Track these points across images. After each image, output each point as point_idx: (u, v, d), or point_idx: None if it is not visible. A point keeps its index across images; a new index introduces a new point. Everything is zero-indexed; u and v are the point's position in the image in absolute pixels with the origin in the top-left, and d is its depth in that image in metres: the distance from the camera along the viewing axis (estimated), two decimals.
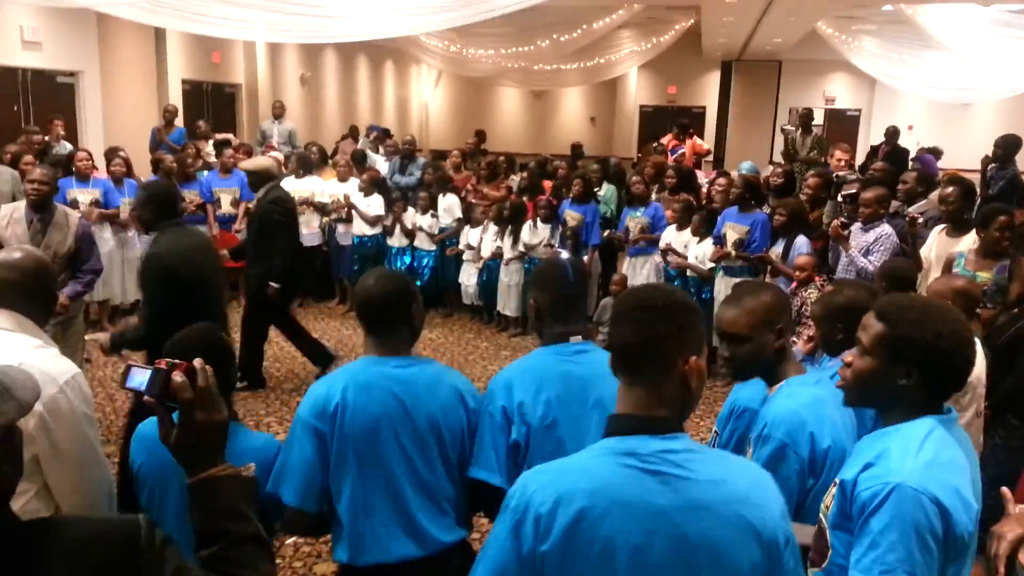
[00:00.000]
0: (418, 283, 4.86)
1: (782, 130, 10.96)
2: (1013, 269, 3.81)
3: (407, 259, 8.16)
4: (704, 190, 8.23)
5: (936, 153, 12.87)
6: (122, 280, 7.31)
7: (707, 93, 19.47)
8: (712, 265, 6.50)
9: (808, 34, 14.63)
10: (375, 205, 8.16)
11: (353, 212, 8.11)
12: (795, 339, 4.65)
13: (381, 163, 9.99)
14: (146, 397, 1.30)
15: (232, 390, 2.39)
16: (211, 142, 9.77)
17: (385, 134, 12.21)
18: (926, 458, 1.63)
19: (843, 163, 6.94)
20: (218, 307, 4.05)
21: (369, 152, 10.44)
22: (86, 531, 1.20)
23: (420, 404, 2.14)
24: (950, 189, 4.83)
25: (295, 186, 8.23)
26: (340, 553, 2.15)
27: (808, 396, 2.09)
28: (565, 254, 7.09)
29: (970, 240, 4.58)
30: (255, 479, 1.35)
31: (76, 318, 4.94)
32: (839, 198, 6.17)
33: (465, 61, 15.13)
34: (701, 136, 15.19)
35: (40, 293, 2.33)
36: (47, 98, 9.97)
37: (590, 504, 1.37)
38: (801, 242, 5.72)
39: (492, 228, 7.82)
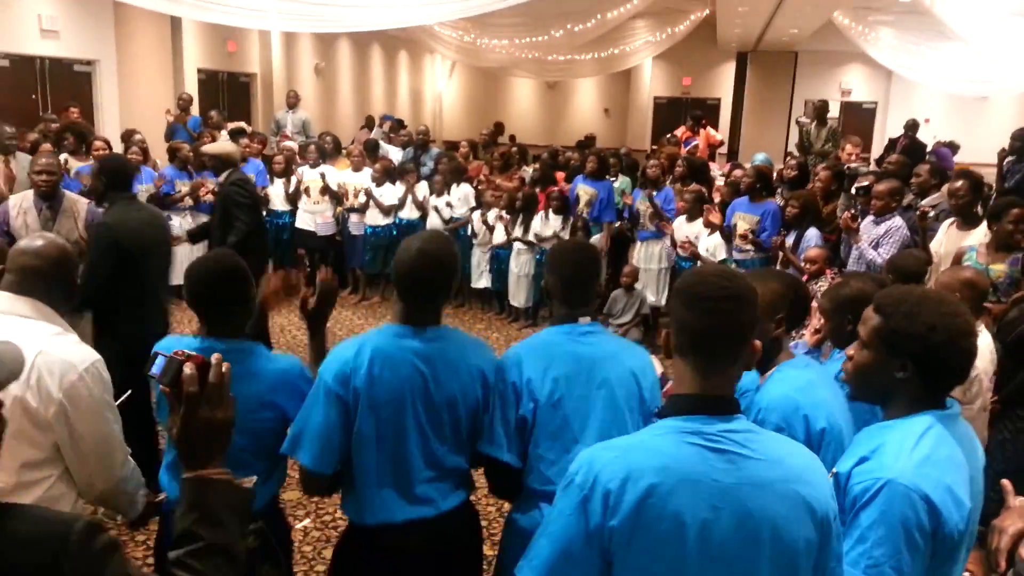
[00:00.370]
0: None
1: (797, 122, 10.90)
2: None
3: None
4: (721, 183, 8.23)
5: (953, 147, 12.77)
6: None
7: (722, 84, 19.38)
8: (724, 256, 6.50)
9: (824, 25, 14.54)
10: (388, 195, 8.20)
11: (369, 201, 8.14)
12: (804, 331, 4.67)
13: (394, 153, 10.03)
14: (160, 386, 1.31)
15: (249, 309, 2.40)
16: (224, 131, 9.82)
17: (399, 124, 12.24)
18: (921, 455, 1.64)
19: (854, 156, 6.91)
20: (160, 281, 4.13)
21: (382, 142, 10.49)
22: (28, 527, 1.13)
23: (442, 382, 2.18)
24: (959, 183, 4.81)
25: (310, 175, 8.29)
26: (349, 510, 2.23)
27: (801, 380, 2.12)
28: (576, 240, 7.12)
29: (980, 234, 4.57)
30: (250, 491, 1.32)
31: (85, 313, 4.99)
32: (852, 190, 6.15)
33: (479, 51, 15.14)
34: (715, 128, 15.15)
35: (61, 281, 2.34)
36: (64, 86, 10.06)
37: (659, 481, 1.40)
38: (811, 234, 5.71)
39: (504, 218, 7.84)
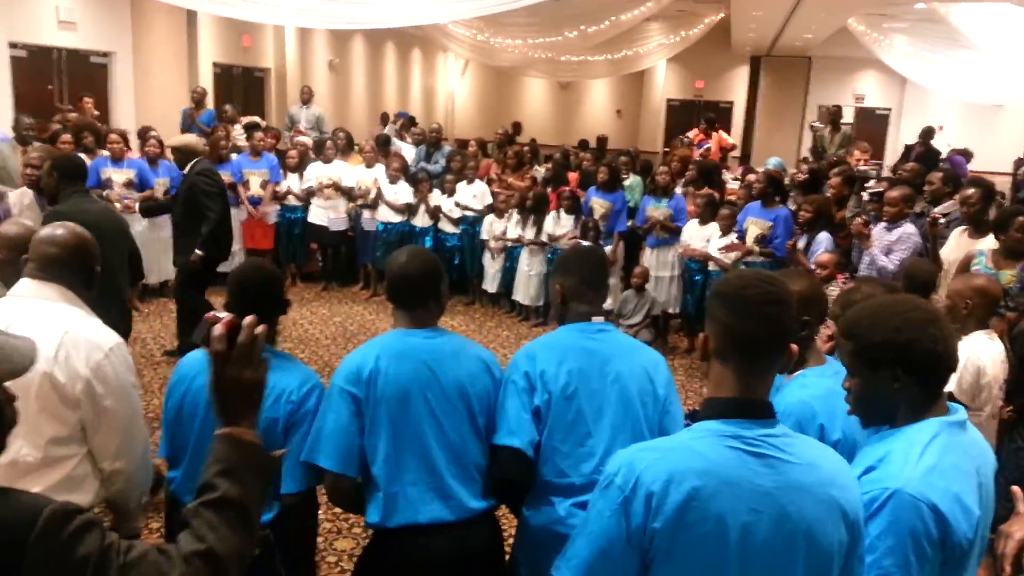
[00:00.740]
0: None
1: (811, 127, 10.92)
2: None
3: (429, 242, 8.25)
4: (735, 186, 8.25)
5: (967, 155, 12.74)
6: (157, 259, 7.36)
7: (735, 88, 19.36)
8: (734, 259, 6.51)
9: (839, 31, 14.51)
10: (402, 192, 8.24)
11: (378, 197, 8.19)
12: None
13: (407, 150, 10.07)
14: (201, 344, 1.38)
15: (275, 316, 2.49)
16: (240, 125, 9.87)
17: (411, 121, 12.29)
18: (927, 464, 1.64)
19: (862, 161, 6.92)
20: (118, 274, 4.14)
21: (395, 139, 10.53)
22: (3, 510, 1.15)
23: (448, 370, 2.24)
24: (971, 191, 4.82)
25: (323, 171, 8.33)
26: (372, 515, 2.23)
27: (821, 388, 2.13)
28: (587, 244, 7.13)
29: (991, 241, 4.57)
30: (277, 460, 1.37)
31: None
32: (864, 195, 6.15)
33: (492, 50, 15.16)
34: (728, 131, 15.13)
35: (81, 267, 2.43)
36: (80, 78, 10.13)
37: (702, 484, 1.42)
38: (823, 238, 5.71)
39: (515, 217, 7.87)
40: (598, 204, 7.44)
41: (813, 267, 5.45)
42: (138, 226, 6.72)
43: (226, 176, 8.00)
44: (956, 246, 4.89)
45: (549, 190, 8.10)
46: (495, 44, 14.62)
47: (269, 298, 2.44)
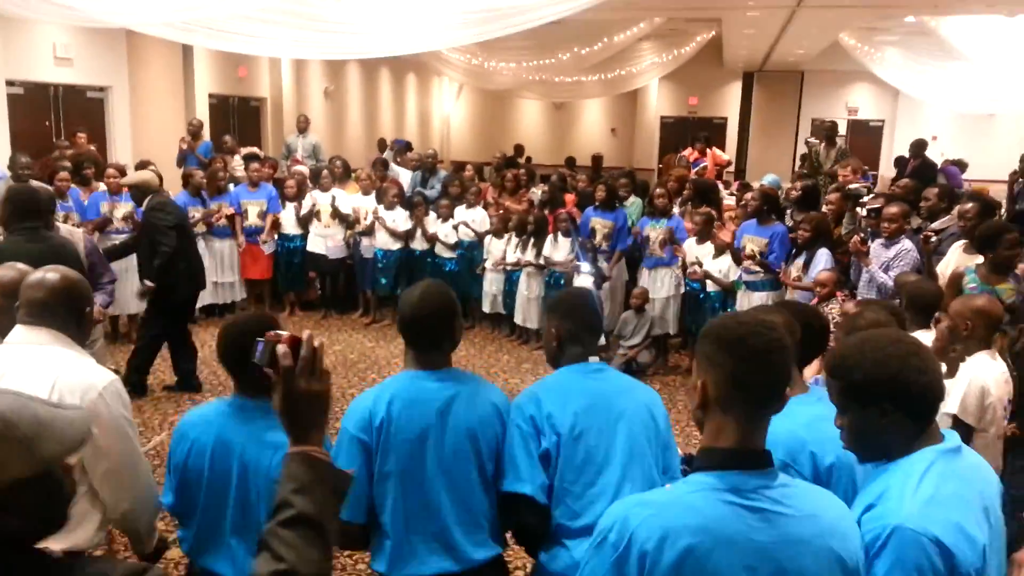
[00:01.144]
0: None
1: (806, 142, 10.95)
2: None
3: (427, 266, 8.27)
4: (731, 202, 8.27)
5: (961, 165, 12.79)
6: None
7: (728, 104, 19.45)
8: (735, 278, 6.52)
9: (831, 45, 14.61)
10: (400, 219, 8.25)
11: (376, 224, 8.20)
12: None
13: (404, 175, 10.10)
14: (263, 367, 1.38)
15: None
16: (239, 156, 9.92)
17: (406, 147, 12.35)
18: (925, 495, 1.62)
19: (851, 177, 6.94)
20: None
21: (392, 164, 10.58)
22: None
23: (459, 416, 2.22)
24: (969, 205, 4.84)
25: (320, 199, 8.36)
26: (379, 563, 2.22)
27: (807, 415, 2.10)
28: (586, 266, 7.14)
29: None
30: (348, 477, 1.37)
31: (96, 331, 5.02)
32: (860, 211, 6.16)
33: (486, 74, 15.25)
34: (722, 147, 15.18)
35: (71, 309, 2.43)
36: (77, 113, 10.17)
37: (697, 541, 1.40)
38: (821, 254, 5.73)
39: (514, 240, 7.88)
40: (599, 224, 7.44)
41: (812, 286, 5.47)
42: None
43: (225, 207, 8.06)
44: (954, 261, 4.89)
45: (546, 212, 8.11)
46: (489, 67, 14.71)
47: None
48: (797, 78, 18.69)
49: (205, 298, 7.90)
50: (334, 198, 8.28)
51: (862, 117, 18.81)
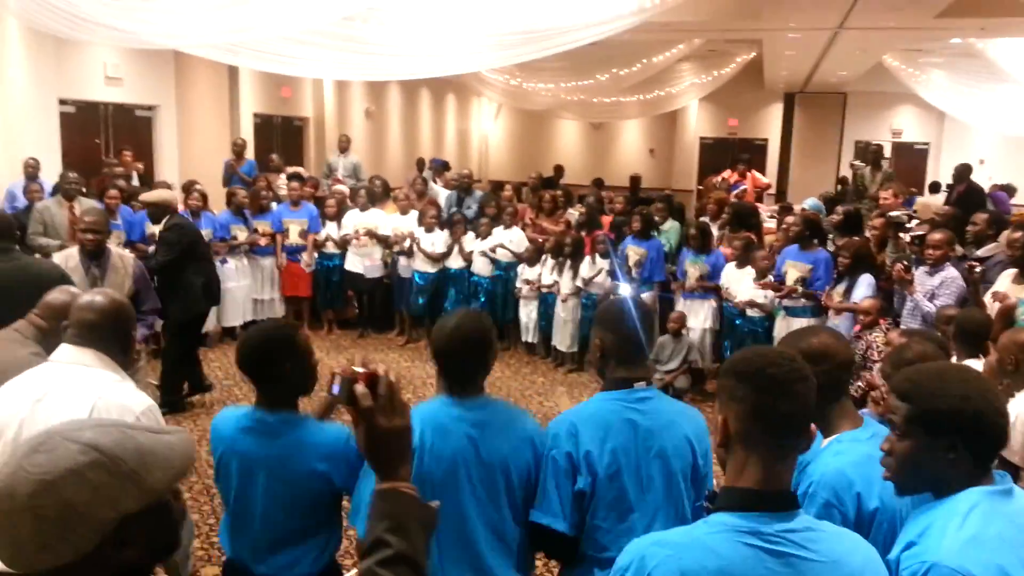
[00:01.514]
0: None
1: (851, 165, 10.81)
2: None
3: (464, 285, 8.29)
4: (771, 224, 8.19)
5: (1009, 190, 12.53)
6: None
7: (769, 125, 19.30)
8: (776, 303, 6.43)
9: (874, 66, 14.45)
10: (438, 241, 8.29)
11: (414, 246, 8.25)
12: (857, 383, 4.58)
13: (442, 195, 10.17)
14: (342, 404, 1.38)
15: (301, 382, 2.47)
16: (283, 175, 10.09)
17: (444, 167, 12.44)
18: (967, 535, 1.57)
19: (890, 201, 6.84)
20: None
21: (431, 183, 10.67)
22: None
23: (492, 447, 2.21)
24: (1018, 234, 4.71)
25: (360, 219, 8.44)
26: None
27: (857, 454, 2.03)
28: (625, 288, 7.11)
29: None
30: (436, 511, 1.37)
31: (139, 359, 5.09)
32: (905, 237, 6.06)
33: (525, 94, 15.34)
34: (763, 169, 15.05)
35: (117, 333, 2.50)
36: (126, 131, 10.46)
37: None
38: (863, 280, 5.64)
39: (549, 262, 7.87)
40: (633, 251, 7.43)
41: (856, 307, 5.38)
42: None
43: (265, 225, 8.19)
44: (1005, 290, 4.77)
45: (583, 233, 8.10)
46: (528, 88, 14.80)
47: (281, 370, 2.39)
48: (840, 99, 18.47)
49: (246, 314, 8.03)
50: (369, 229, 8.37)
51: (906, 140, 18.52)
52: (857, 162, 10.69)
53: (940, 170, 16.54)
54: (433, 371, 2.39)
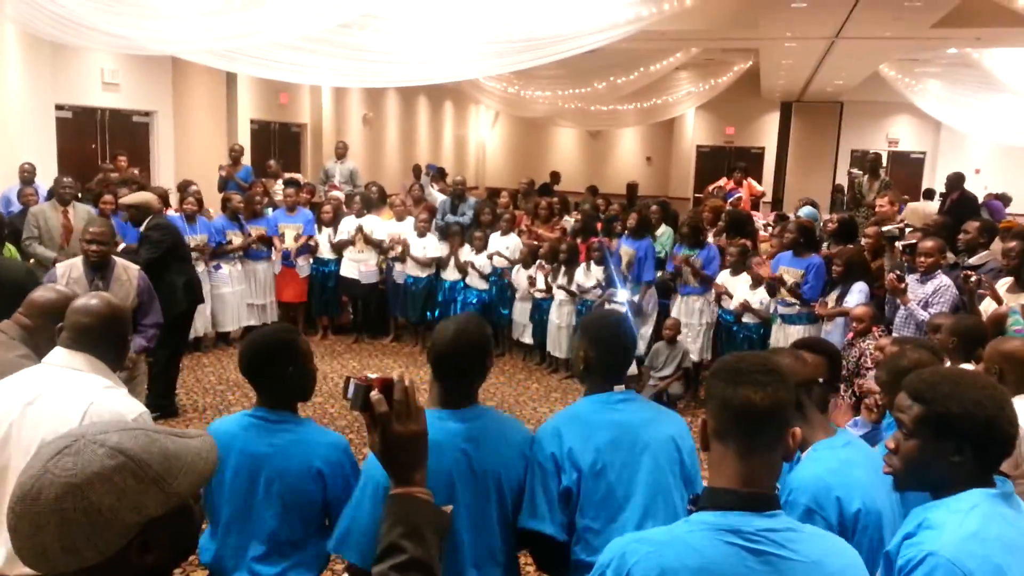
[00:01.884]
0: None
1: (849, 174, 10.86)
2: None
3: (458, 296, 8.28)
4: (766, 233, 8.20)
5: (1004, 199, 12.56)
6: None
7: (766, 134, 19.37)
8: (772, 310, 6.45)
9: (871, 76, 14.51)
10: (430, 246, 8.30)
11: (405, 253, 8.26)
12: (844, 393, 4.60)
13: (439, 200, 10.19)
14: (357, 410, 1.38)
15: (302, 384, 2.49)
16: (280, 181, 10.09)
17: (440, 173, 12.46)
18: (968, 531, 1.59)
19: (886, 208, 6.88)
20: None
21: (429, 189, 10.70)
22: None
23: (484, 457, 2.19)
24: (1013, 243, 4.72)
25: (355, 225, 8.45)
26: None
27: (834, 460, 2.06)
28: (622, 293, 7.11)
29: None
30: (449, 517, 1.38)
31: (139, 367, 5.08)
32: (899, 247, 6.07)
33: (522, 102, 15.39)
34: (759, 177, 15.08)
35: (112, 338, 2.49)
36: (122, 136, 10.47)
37: None
38: (856, 288, 5.66)
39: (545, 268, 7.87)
40: (624, 251, 7.45)
41: (847, 311, 5.42)
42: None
43: (260, 230, 8.19)
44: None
45: (579, 241, 8.10)
46: (525, 95, 14.85)
47: (281, 371, 2.43)
48: (836, 109, 18.54)
49: (241, 320, 8.02)
50: (360, 227, 8.37)
51: (903, 149, 18.59)
52: (855, 170, 10.73)
53: (936, 179, 16.56)
54: (427, 375, 2.38)
